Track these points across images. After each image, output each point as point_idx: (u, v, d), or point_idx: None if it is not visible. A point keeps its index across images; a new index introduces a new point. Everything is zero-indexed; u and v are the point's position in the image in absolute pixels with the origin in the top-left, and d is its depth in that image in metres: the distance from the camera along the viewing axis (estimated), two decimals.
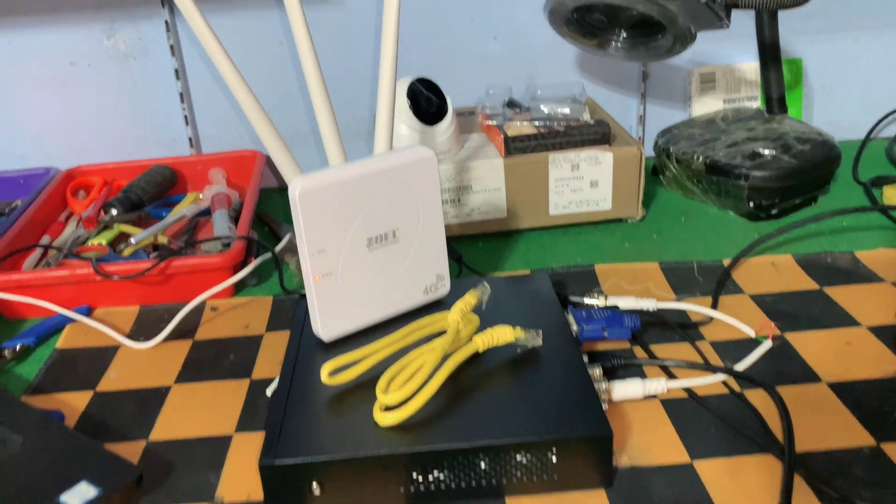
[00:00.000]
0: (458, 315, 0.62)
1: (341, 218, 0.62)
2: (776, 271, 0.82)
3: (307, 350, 0.65)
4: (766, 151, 0.92)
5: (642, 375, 0.65)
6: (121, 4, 1.01)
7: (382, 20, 0.67)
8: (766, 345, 0.68)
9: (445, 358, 0.58)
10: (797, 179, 0.91)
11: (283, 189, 1.11)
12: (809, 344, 0.69)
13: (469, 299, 0.63)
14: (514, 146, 0.89)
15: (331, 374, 0.58)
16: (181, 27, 1.03)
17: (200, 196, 1.03)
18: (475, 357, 0.61)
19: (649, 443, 0.59)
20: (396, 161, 0.64)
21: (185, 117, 1.08)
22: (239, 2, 1.02)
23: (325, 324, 0.64)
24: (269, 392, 0.67)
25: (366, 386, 0.59)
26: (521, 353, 0.61)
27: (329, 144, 0.67)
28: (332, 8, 1.03)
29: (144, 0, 1.01)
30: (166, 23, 1.02)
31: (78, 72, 1.05)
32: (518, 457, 0.53)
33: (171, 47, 1.03)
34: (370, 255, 0.65)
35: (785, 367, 0.66)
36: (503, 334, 0.60)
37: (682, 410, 0.62)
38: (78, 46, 1.03)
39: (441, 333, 0.63)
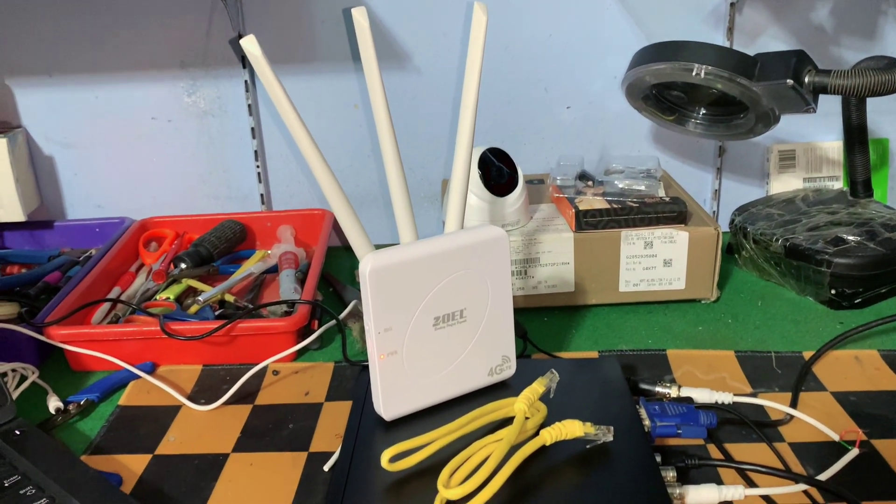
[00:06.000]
0: (525, 404, 0.60)
1: (410, 296, 0.61)
2: (860, 367, 0.77)
3: (368, 427, 0.63)
4: (851, 238, 0.88)
5: (717, 478, 0.62)
6: (204, 64, 1.04)
7: (461, 105, 0.67)
8: (853, 453, 0.63)
9: (512, 450, 0.56)
10: (883, 268, 0.87)
11: (349, 248, 1.11)
12: None
13: (536, 387, 0.61)
14: (585, 221, 0.87)
15: (391, 459, 0.57)
16: (260, 88, 1.06)
17: (269, 253, 1.04)
18: (541, 450, 0.58)
19: None
20: (467, 240, 0.63)
21: (259, 174, 1.09)
22: (318, 66, 1.04)
23: (388, 403, 0.63)
24: (326, 468, 0.66)
25: (427, 473, 0.57)
26: (590, 449, 0.59)
27: (401, 220, 0.67)
28: (409, 74, 1.04)
29: (227, 60, 1.04)
30: (245, 83, 1.05)
31: (158, 126, 1.08)
32: None
33: (249, 106, 1.06)
34: (436, 334, 0.64)
35: (872, 479, 0.62)
36: (572, 429, 0.58)
37: None
38: (160, 102, 1.06)
39: (506, 421, 0.60)
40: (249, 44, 0.60)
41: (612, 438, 0.59)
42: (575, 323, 0.88)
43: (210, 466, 0.67)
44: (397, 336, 0.62)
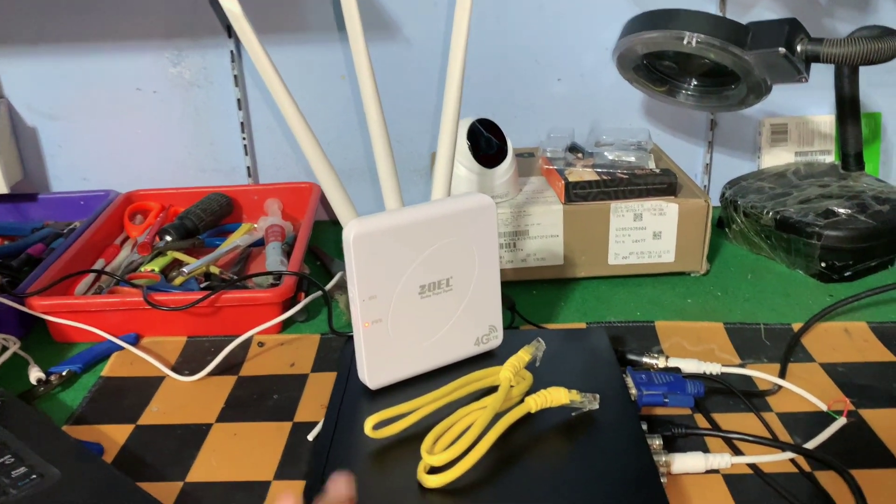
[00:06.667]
0: (511, 372, 0.59)
1: (395, 264, 0.60)
2: (849, 339, 0.77)
3: (352, 396, 0.63)
4: (841, 210, 0.88)
5: (704, 447, 0.61)
6: (189, 34, 1.02)
7: (448, 66, 0.65)
8: (840, 422, 0.63)
9: (496, 418, 0.55)
10: (874, 241, 0.86)
11: (336, 222, 1.10)
12: (887, 423, 0.64)
13: (522, 356, 0.60)
14: (574, 193, 0.86)
15: (375, 427, 0.56)
16: (246, 58, 1.04)
17: (255, 226, 1.02)
18: (526, 417, 0.58)
19: None
20: (454, 207, 0.62)
21: (245, 147, 1.08)
22: (303, 36, 1.02)
23: (372, 371, 0.62)
24: (310, 437, 0.65)
25: (411, 441, 0.56)
26: (575, 417, 0.58)
27: (386, 187, 0.66)
28: (397, 44, 1.02)
29: (212, 30, 1.02)
30: (231, 53, 1.03)
31: (143, 97, 1.06)
32: None
33: (235, 77, 1.04)
34: (422, 302, 0.63)
35: (859, 448, 0.61)
36: (558, 396, 0.57)
37: (747, 489, 0.58)
38: (144, 73, 1.05)
39: (491, 390, 0.60)
40: (228, 2, 0.59)
41: (597, 406, 0.58)
42: (564, 296, 0.88)
43: (193, 436, 0.66)
44: (382, 304, 0.61)
